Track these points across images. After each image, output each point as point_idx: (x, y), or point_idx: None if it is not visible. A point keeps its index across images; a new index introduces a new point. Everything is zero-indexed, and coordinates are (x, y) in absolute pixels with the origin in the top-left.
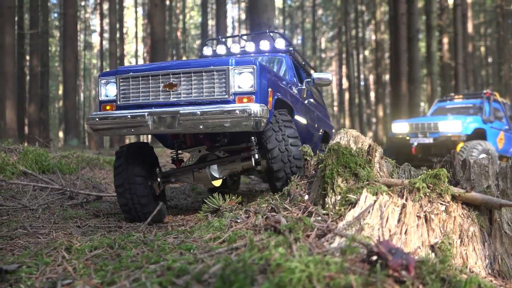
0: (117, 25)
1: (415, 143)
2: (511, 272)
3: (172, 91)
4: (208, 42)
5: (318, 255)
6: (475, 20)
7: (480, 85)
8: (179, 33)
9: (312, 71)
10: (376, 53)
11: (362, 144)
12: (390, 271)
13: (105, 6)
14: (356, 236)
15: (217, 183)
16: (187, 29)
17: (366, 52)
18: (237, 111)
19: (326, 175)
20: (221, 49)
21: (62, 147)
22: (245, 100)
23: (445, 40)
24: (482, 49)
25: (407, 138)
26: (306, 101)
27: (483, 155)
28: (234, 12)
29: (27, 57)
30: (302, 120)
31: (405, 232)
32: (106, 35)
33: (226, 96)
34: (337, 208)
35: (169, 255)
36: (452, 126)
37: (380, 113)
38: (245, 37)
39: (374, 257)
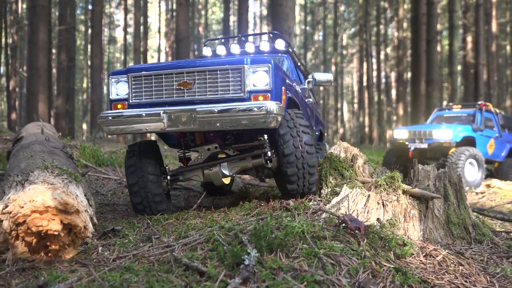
0: (141, 20)
1: (412, 148)
2: (434, 239)
3: (187, 89)
4: (208, 42)
5: (310, 221)
6: (501, 18)
7: (505, 84)
8: (201, 29)
9: (310, 73)
10: (398, 51)
11: (350, 153)
12: (349, 230)
13: (129, 1)
14: (334, 212)
15: (227, 180)
16: (208, 25)
17: (388, 50)
18: (255, 109)
19: (322, 175)
20: (221, 50)
21: (87, 139)
22: (260, 98)
23: (469, 38)
24: (508, 48)
25: (406, 143)
26: (307, 101)
27: (471, 160)
28: (256, 8)
29: (54, 51)
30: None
31: (368, 212)
32: (129, 29)
33: (242, 94)
34: (328, 196)
35: (219, 222)
36: (444, 133)
37: (401, 112)
38: (244, 38)
39: (343, 224)
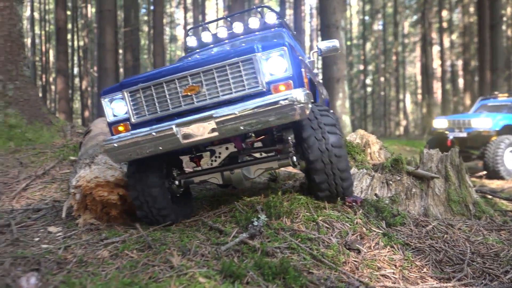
0: (200, 18)
1: (451, 137)
2: (433, 214)
3: (195, 94)
4: (190, 31)
5: None
6: None
7: None
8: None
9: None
10: (464, 37)
11: (365, 140)
12: (347, 202)
13: (189, 0)
14: None
15: (248, 183)
16: None
17: (454, 36)
18: (281, 102)
19: None
20: (206, 37)
21: None
22: (282, 87)
23: None
24: None
25: (446, 132)
26: (315, 73)
27: (511, 148)
28: (312, 0)
29: (120, 51)
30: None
31: (371, 189)
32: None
33: (260, 88)
34: None
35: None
36: (483, 122)
37: (467, 102)
38: (229, 19)
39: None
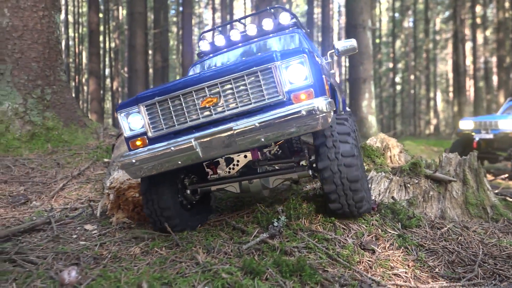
0: (228, 18)
1: (477, 138)
2: (449, 217)
3: (213, 106)
4: (203, 35)
5: None
6: None
7: None
8: None
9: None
10: (498, 33)
11: (385, 143)
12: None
13: (217, 0)
14: None
15: (267, 192)
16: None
17: (488, 32)
18: (303, 112)
19: None
20: (219, 40)
21: None
22: (302, 96)
23: None
24: None
25: (472, 134)
26: (333, 76)
27: None
28: None
29: (150, 52)
30: (337, 100)
31: (389, 192)
32: None
33: (280, 97)
34: None
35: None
36: (510, 124)
37: (501, 100)
38: (243, 21)
39: None
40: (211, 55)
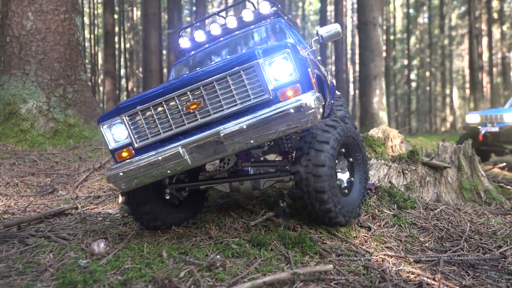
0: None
1: (483, 131)
2: (444, 200)
3: (198, 110)
4: (182, 32)
5: None
6: None
7: None
8: (298, 20)
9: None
10: None
11: (386, 134)
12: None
13: (230, 0)
14: None
15: (257, 193)
16: (306, 16)
17: (505, 27)
18: (291, 110)
19: None
20: (199, 36)
21: None
22: (289, 93)
23: None
24: None
25: (478, 127)
26: (319, 62)
27: None
28: None
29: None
30: (325, 89)
31: (387, 178)
32: None
33: (266, 96)
34: None
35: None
36: None
37: None
38: (223, 13)
39: None
40: (192, 52)
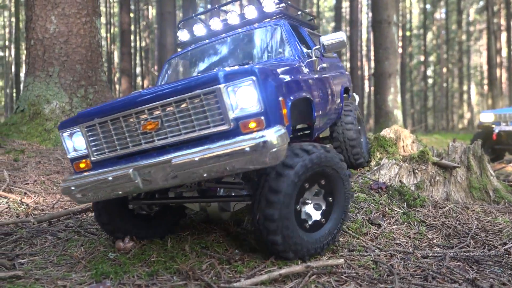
0: None
1: (496, 130)
2: (453, 199)
3: (155, 131)
4: (181, 24)
5: (351, 183)
6: None
7: None
8: None
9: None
10: None
11: (398, 134)
12: (373, 188)
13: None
14: (369, 177)
15: (227, 215)
16: (321, 13)
17: None
18: (247, 148)
19: (371, 151)
20: (199, 30)
21: None
22: (252, 125)
23: None
24: None
25: (492, 126)
26: (319, 74)
27: None
28: None
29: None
30: (321, 104)
31: (398, 177)
32: None
33: (226, 126)
34: (373, 166)
35: None
36: None
37: None
38: (224, 8)
39: (373, 186)
40: (192, 45)
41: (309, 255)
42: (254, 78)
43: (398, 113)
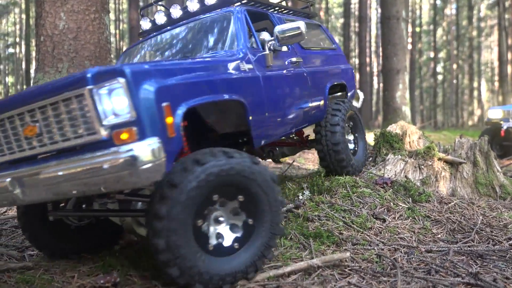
0: None
1: (505, 127)
2: (459, 195)
3: (36, 137)
4: (143, 11)
5: (356, 178)
6: None
7: None
8: (322, 13)
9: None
10: None
11: (404, 130)
12: (378, 183)
13: None
14: (374, 173)
15: (144, 231)
16: (330, 9)
17: None
18: (105, 166)
19: (377, 147)
20: (160, 18)
21: None
22: (124, 136)
23: None
24: None
25: (500, 122)
26: (273, 71)
27: None
28: None
29: None
30: (270, 105)
31: (404, 172)
32: None
33: (96, 135)
34: (379, 162)
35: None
36: None
37: None
38: None
39: (378, 181)
40: (153, 33)
41: (213, 285)
42: (123, 80)
43: (406, 110)
